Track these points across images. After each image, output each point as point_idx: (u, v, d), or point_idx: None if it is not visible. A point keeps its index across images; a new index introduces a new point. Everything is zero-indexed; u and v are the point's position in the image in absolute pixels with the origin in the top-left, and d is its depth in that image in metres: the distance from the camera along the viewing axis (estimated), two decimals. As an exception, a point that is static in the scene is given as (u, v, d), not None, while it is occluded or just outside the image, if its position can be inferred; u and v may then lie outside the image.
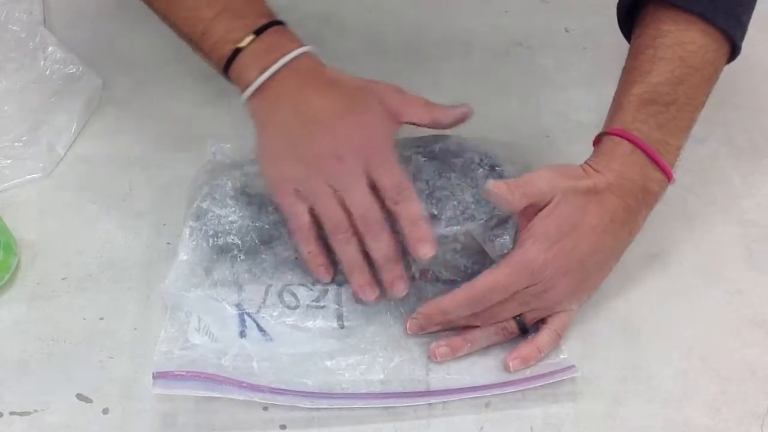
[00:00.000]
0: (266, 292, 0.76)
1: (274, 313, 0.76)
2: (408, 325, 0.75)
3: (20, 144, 0.91)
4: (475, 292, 0.72)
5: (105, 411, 0.72)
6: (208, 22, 0.77)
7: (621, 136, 0.75)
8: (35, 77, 0.97)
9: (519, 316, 0.74)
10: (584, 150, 0.78)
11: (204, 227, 0.79)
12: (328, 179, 0.73)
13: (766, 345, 0.77)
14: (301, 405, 0.71)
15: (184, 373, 0.71)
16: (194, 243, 0.78)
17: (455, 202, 0.76)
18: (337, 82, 0.78)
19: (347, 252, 0.74)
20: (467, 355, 0.75)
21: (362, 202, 0.72)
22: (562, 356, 0.74)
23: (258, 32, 0.77)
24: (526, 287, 0.72)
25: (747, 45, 0.76)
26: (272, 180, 0.76)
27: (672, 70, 0.75)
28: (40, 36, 1.00)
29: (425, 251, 0.72)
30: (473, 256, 0.77)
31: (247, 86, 0.76)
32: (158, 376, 0.70)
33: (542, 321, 0.75)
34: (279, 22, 0.79)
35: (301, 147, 0.75)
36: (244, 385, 0.71)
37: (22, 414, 0.72)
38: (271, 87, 0.76)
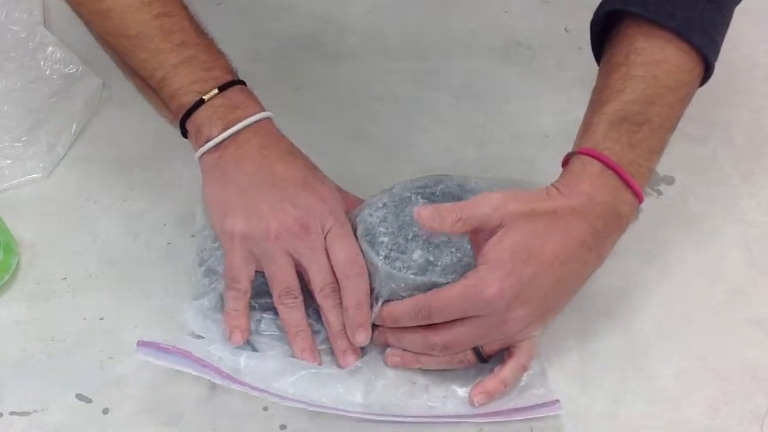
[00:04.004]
0: (260, 320, 0.76)
1: (264, 337, 0.76)
2: (374, 336, 0.74)
3: (20, 144, 0.91)
4: (420, 303, 0.70)
5: (105, 411, 0.72)
6: (171, 69, 0.76)
7: (591, 156, 0.71)
8: (35, 77, 0.97)
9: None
10: (584, 150, 0.78)
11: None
12: (289, 247, 0.73)
13: (766, 345, 0.77)
14: (274, 402, 0.71)
15: (169, 347, 0.71)
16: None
17: (453, 249, 0.73)
18: (295, 152, 0.78)
19: (293, 317, 0.74)
20: (449, 386, 0.73)
21: (325, 276, 0.73)
22: (549, 388, 0.73)
23: (222, 88, 0.76)
24: (481, 315, 0.69)
25: (747, 45, 0.76)
26: (228, 231, 0.74)
27: (644, 88, 0.72)
28: (40, 36, 1.00)
29: (361, 339, 0.73)
30: None
31: (207, 139, 0.75)
32: (142, 344, 0.71)
33: (507, 351, 0.72)
34: (242, 82, 0.78)
35: (263, 208, 0.74)
36: (224, 374, 0.71)
37: (22, 414, 0.71)
38: (231, 145, 0.75)
